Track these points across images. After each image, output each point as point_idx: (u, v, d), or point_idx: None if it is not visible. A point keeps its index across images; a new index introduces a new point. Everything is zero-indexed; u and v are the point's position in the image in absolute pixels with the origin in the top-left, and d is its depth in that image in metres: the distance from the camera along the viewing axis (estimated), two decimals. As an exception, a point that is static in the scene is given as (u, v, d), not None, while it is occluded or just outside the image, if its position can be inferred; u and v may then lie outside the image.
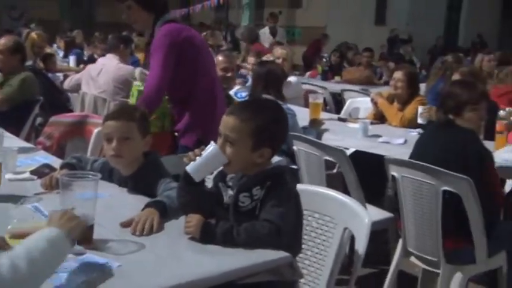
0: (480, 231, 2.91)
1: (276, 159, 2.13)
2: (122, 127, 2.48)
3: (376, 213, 3.56)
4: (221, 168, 2.08)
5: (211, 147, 2.01)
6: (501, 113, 3.88)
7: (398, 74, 4.82)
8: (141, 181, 2.49)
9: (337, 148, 3.32)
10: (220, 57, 4.56)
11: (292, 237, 2.00)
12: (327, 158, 3.34)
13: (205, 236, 1.93)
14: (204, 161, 2.00)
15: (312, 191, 2.33)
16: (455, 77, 4.54)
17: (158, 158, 2.65)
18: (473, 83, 3.35)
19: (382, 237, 3.72)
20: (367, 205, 3.53)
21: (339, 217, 2.20)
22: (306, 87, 6.89)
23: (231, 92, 5.60)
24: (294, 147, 3.63)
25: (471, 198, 2.81)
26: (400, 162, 3.01)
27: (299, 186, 2.20)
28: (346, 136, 4.17)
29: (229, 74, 4.54)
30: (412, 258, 3.19)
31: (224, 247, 1.88)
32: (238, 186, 2.05)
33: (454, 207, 2.89)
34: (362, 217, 2.12)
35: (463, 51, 14.63)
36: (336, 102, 7.06)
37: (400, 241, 3.21)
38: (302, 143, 3.53)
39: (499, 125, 3.79)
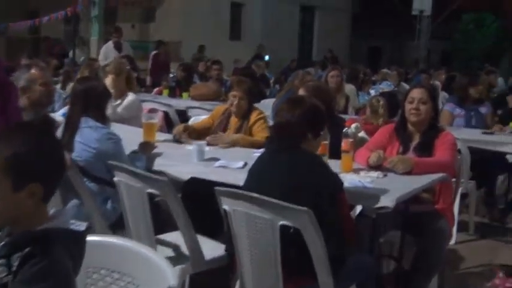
0: (324, 267, 2.53)
1: (51, 212, 1.59)
2: None
3: (214, 248, 3.11)
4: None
5: None
6: (347, 130, 3.60)
7: (238, 92, 4.47)
8: None
9: (160, 179, 2.81)
10: (34, 71, 3.98)
11: None
12: (150, 190, 2.83)
13: None
14: None
15: (109, 244, 1.82)
16: (301, 92, 4.23)
17: None
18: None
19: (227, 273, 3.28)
20: (203, 239, 3.09)
21: (142, 277, 1.70)
22: (149, 105, 6.37)
23: (60, 112, 4.98)
24: (115, 179, 3.08)
25: (312, 231, 2.43)
26: (231, 194, 2.57)
27: (94, 239, 1.70)
28: (181, 160, 3.67)
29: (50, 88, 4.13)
30: (252, 302, 2.77)
31: None
32: None
33: (295, 243, 2.51)
34: (167, 277, 1.63)
35: (320, 65, 14.92)
36: (184, 121, 6.59)
37: (238, 283, 2.77)
38: (122, 174, 3.00)
39: (344, 144, 3.49)
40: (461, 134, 5.00)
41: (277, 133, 2.79)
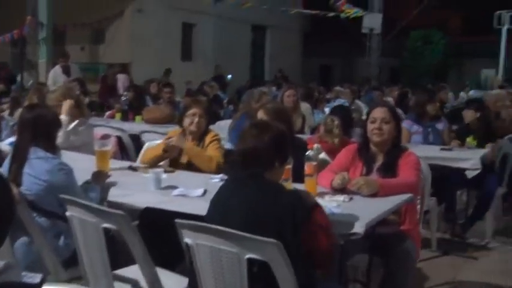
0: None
1: (1, 264, 1.40)
2: None
3: (176, 282, 2.95)
4: None
5: None
6: (309, 153, 3.49)
7: (197, 109, 4.36)
8: None
9: (116, 212, 2.63)
10: None
11: None
12: (106, 225, 2.64)
13: None
14: None
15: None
16: (260, 114, 4.11)
17: None
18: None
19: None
20: (164, 272, 2.93)
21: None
22: (102, 130, 6.15)
23: (7, 142, 4.75)
24: (68, 213, 2.88)
25: (281, 264, 2.29)
26: (193, 227, 2.41)
27: None
28: (138, 189, 3.47)
29: None
30: None
31: None
32: None
33: (263, 276, 2.36)
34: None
35: (272, 84, 14.89)
36: (138, 146, 6.38)
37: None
38: (75, 208, 2.80)
39: (308, 168, 3.38)
40: (421, 151, 4.96)
41: (243, 160, 2.63)
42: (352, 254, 3.42)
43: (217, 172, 4.00)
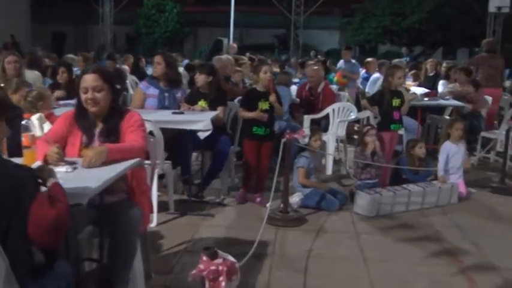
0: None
1: None
2: None
3: None
4: None
5: None
6: (25, 122, 3.18)
7: None
8: None
9: None
10: None
11: None
12: None
13: None
14: None
15: None
16: None
17: None
18: None
19: None
20: None
21: None
22: None
23: None
24: None
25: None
26: None
27: None
28: None
29: None
30: None
31: None
32: None
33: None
34: None
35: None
36: None
37: None
38: None
39: (25, 139, 3.09)
40: (153, 116, 4.93)
41: None
42: (82, 227, 3.22)
43: None
